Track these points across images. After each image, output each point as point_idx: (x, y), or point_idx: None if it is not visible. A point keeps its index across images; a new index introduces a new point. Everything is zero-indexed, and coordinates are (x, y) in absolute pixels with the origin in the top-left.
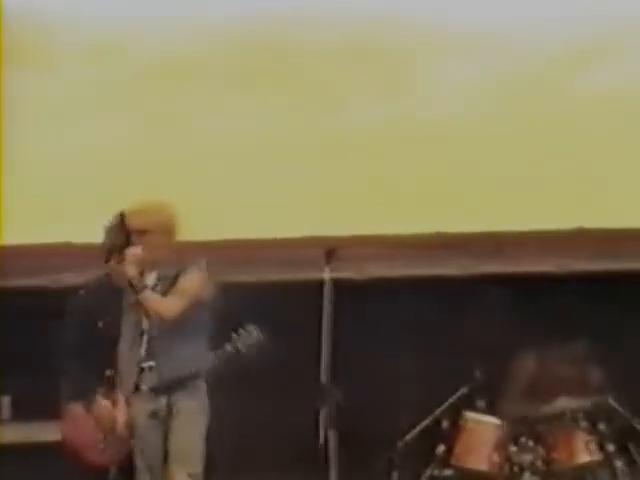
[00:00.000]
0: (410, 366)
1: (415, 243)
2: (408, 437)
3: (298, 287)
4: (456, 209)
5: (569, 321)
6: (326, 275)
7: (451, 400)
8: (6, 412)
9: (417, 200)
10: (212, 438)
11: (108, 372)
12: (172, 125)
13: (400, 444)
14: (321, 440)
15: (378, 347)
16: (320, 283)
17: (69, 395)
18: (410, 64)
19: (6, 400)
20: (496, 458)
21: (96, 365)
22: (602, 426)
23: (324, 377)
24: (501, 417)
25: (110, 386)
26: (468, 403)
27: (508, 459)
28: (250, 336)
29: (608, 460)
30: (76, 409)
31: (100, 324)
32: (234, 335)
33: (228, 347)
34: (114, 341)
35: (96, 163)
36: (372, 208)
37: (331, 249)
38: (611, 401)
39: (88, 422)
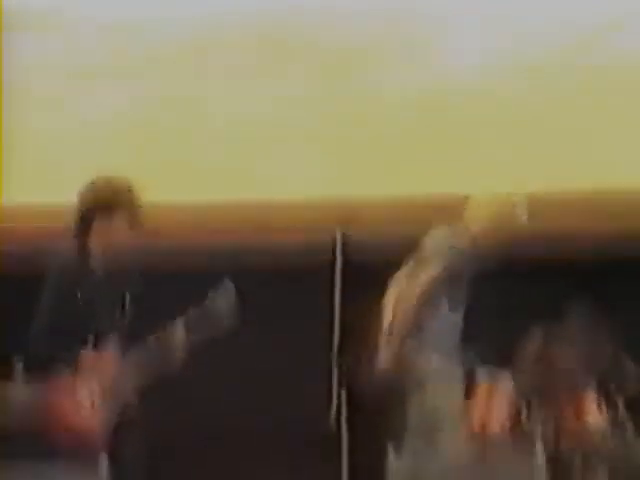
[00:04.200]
0: None
1: (429, 205)
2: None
3: (310, 250)
4: (469, 171)
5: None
6: (339, 237)
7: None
8: (19, 375)
9: (432, 161)
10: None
11: (90, 340)
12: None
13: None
14: (334, 403)
15: None
16: (332, 246)
17: (52, 367)
18: (427, 31)
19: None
20: (506, 418)
21: (79, 330)
22: (613, 388)
23: (335, 341)
24: (511, 379)
25: (96, 349)
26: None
27: (518, 422)
28: (227, 293)
29: (618, 422)
30: (62, 375)
31: (80, 295)
32: (210, 292)
33: (206, 304)
34: (94, 309)
35: (100, 138)
36: (387, 170)
37: (345, 211)
38: (623, 362)
39: (75, 387)
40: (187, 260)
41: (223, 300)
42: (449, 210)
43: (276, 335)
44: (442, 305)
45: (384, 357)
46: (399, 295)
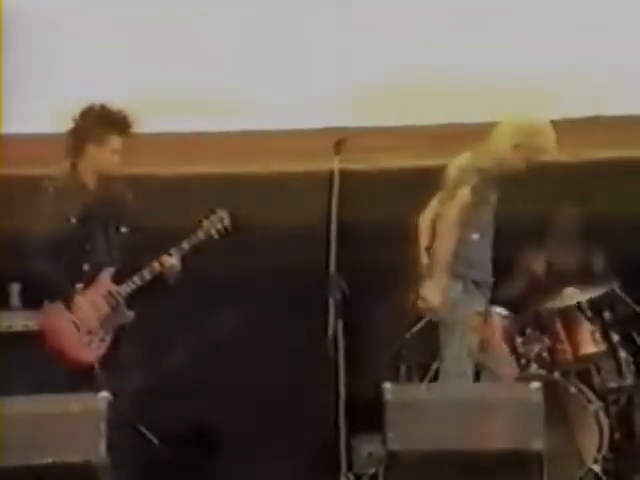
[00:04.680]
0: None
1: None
2: (415, 329)
3: (307, 178)
4: (467, 100)
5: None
6: (335, 165)
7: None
8: (15, 300)
9: (428, 91)
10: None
11: (86, 267)
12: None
13: (407, 336)
14: (330, 331)
15: (385, 237)
16: (330, 174)
17: (47, 293)
18: None
19: (15, 287)
20: (504, 348)
21: (72, 261)
22: (607, 315)
23: (332, 267)
24: (508, 309)
25: (89, 280)
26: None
27: (514, 350)
28: (221, 220)
29: (612, 350)
30: (55, 307)
31: (73, 220)
32: (205, 221)
33: (199, 233)
34: (87, 235)
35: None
36: (383, 99)
37: (341, 139)
38: (616, 289)
39: (69, 319)
40: (180, 189)
41: (220, 226)
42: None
43: (273, 263)
44: (473, 231)
45: (425, 288)
46: (432, 223)
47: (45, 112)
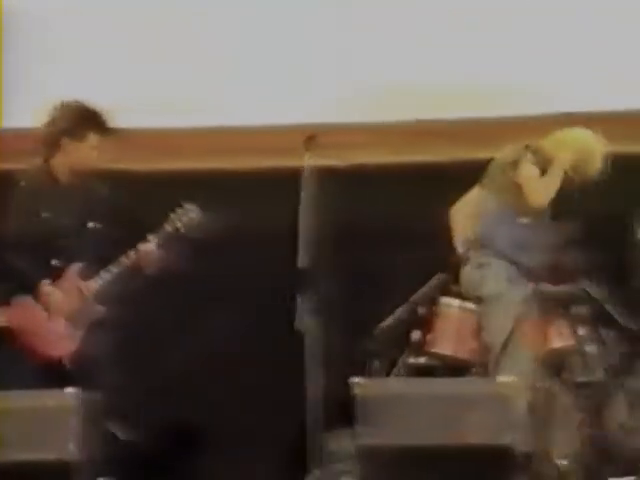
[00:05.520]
0: (389, 253)
1: (399, 130)
2: (384, 324)
3: (277, 174)
4: (439, 96)
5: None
6: (306, 162)
7: (427, 286)
8: None
9: (400, 87)
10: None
11: (54, 262)
12: None
13: (377, 331)
14: (298, 326)
15: (358, 235)
16: (300, 170)
17: (15, 288)
18: None
19: None
20: (473, 344)
21: (42, 256)
22: (575, 310)
23: (302, 263)
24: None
25: (58, 276)
26: (445, 289)
27: (485, 345)
28: (189, 215)
29: (580, 345)
30: (25, 301)
31: (44, 214)
32: (172, 214)
33: (167, 227)
34: (58, 230)
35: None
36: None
37: (311, 135)
38: (585, 285)
39: (39, 314)
40: (154, 183)
41: (188, 220)
42: None
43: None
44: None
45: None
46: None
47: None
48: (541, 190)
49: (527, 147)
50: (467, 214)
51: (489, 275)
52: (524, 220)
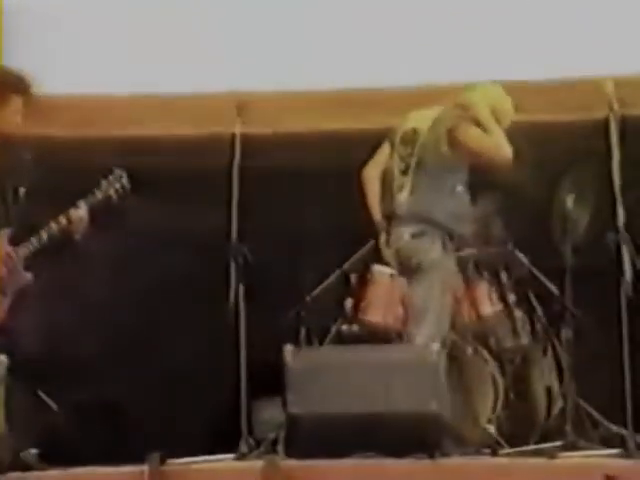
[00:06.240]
0: (318, 220)
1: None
2: (315, 292)
3: (209, 141)
4: (372, 64)
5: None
6: (237, 129)
7: (358, 254)
8: None
9: (332, 54)
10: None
11: None
12: None
13: (308, 299)
14: (231, 296)
15: (286, 202)
16: (231, 137)
17: None
18: None
19: None
20: (402, 312)
21: None
22: (503, 276)
23: (233, 233)
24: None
25: None
26: (376, 257)
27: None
28: (120, 181)
29: (508, 310)
30: None
31: None
32: (103, 181)
33: (98, 194)
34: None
35: None
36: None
37: (242, 102)
38: (513, 250)
39: None
40: (82, 150)
41: (119, 186)
42: None
43: (174, 228)
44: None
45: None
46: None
47: None
48: (501, 143)
49: (457, 106)
50: (378, 176)
51: (424, 244)
52: (459, 189)
